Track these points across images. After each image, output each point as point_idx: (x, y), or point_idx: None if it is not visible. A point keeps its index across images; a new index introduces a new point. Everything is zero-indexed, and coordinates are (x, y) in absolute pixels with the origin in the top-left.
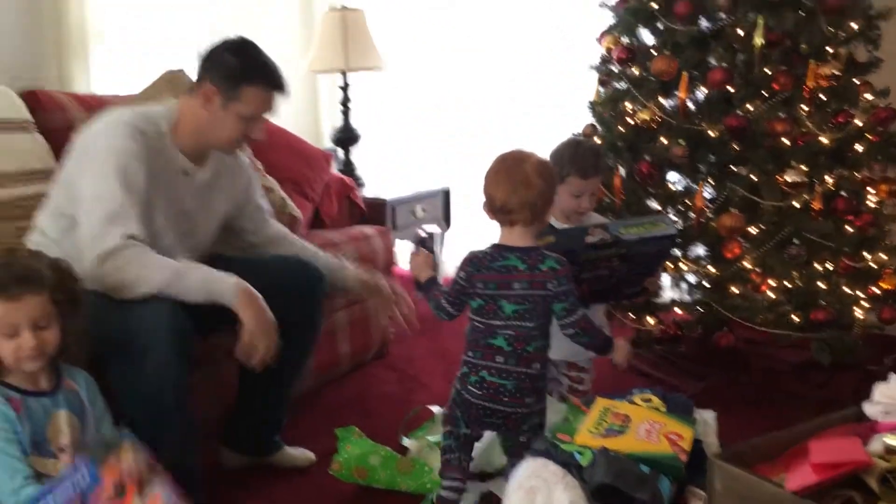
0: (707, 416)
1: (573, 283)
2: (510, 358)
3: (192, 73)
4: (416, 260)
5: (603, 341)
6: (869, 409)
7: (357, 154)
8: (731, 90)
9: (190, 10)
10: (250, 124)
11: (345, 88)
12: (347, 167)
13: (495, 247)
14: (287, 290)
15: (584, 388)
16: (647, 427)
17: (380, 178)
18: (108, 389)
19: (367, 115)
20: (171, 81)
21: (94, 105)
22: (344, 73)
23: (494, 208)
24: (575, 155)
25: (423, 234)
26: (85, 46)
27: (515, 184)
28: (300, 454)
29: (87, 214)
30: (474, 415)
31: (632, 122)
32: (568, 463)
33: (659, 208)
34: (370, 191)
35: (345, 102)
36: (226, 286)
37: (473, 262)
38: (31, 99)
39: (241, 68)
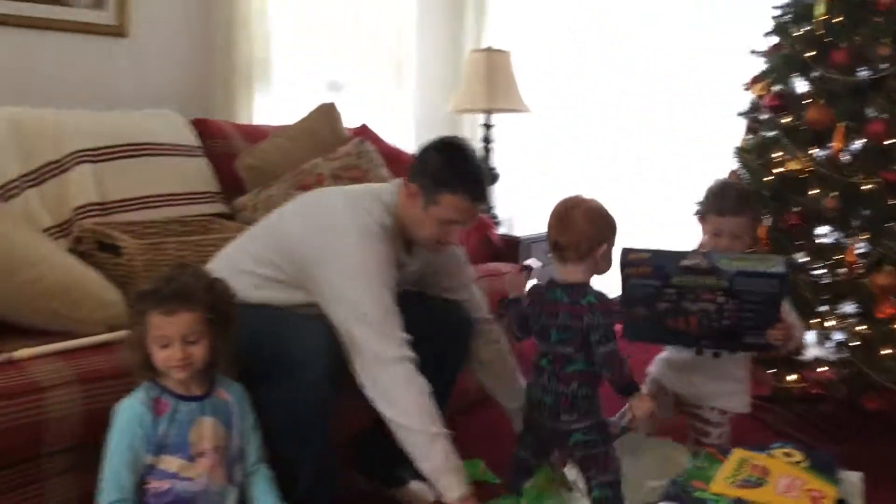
0: (853, 478)
1: (621, 316)
2: (551, 377)
3: (342, 108)
4: (514, 279)
5: (626, 383)
6: None
7: (495, 193)
8: (890, 143)
9: (345, 49)
10: (447, 228)
11: (487, 128)
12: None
13: (549, 282)
14: (441, 325)
15: (709, 441)
16: (787, 482)
17: (515, 216)
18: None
19: (509, 155)
20: (324, 114)
21: (254, 135)
22: (487, 114)
23: (550, 246)
24: (716, 193)
25: (526, 263)
26: (250, 79)
27: (565, 225)
28: (420, 491)
29: (358, 316)
30: (531, 433)
31: (779, 171)
32: None
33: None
34: (504, 228)
35: (486, 142)
36: (452, 492)
37: (534, 294)
38: (200, 126)
39: (443, 174)
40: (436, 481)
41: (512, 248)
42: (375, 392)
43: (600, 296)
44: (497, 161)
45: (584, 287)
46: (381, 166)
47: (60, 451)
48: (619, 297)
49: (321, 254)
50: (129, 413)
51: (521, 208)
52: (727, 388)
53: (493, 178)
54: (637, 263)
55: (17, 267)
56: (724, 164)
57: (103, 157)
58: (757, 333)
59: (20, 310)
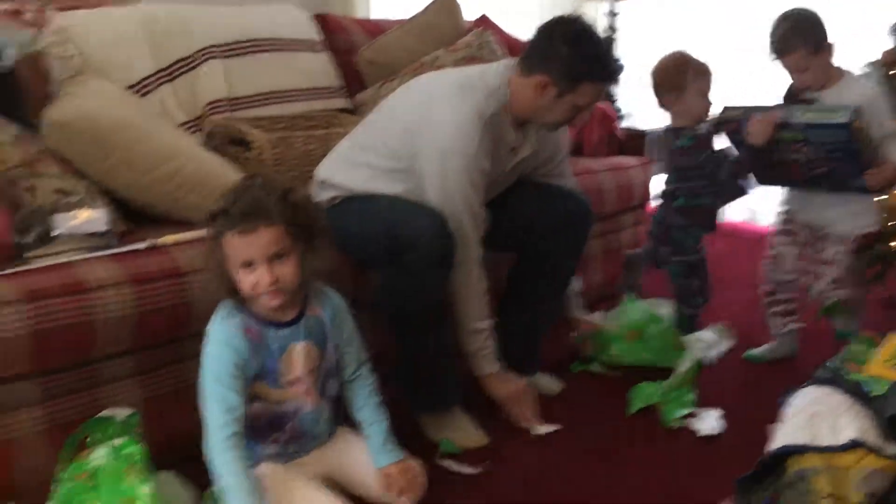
0: None
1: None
2: None
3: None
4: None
5: None
6: None
7: (621, 86)
8: None
9: None
10: (581, 111)
11: (612, 16)
12: (609, 97)
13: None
14: (556, 218)
15: (833, 273)
16: None
17: (639, 109)
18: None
19: (635, 46)
20: (443, 6)
21: (373, 30)
22: (612, 0)
23: None
24: (771, 33)
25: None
26: None
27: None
28: (547, 382)
29: (444, 205)
30: None
31: None
32: (856, 392)
33: None
34: (627, 122)
35: (611, 30)
36: (483, 369)
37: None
38: (321, 22)
39: (579, 64)
40: (472, 356)
41: (636, 142)
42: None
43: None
44: (621, 51)
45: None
46: (503, 56)
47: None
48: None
49: (422, 132)
50: (223, 336)
51: (645, 101)
52: (851, 208)
53: (620, 68)
54: (728, 120)
55: (157, 161)
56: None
57: (231, 53)
58: (857, 178)
59: (161, 201)
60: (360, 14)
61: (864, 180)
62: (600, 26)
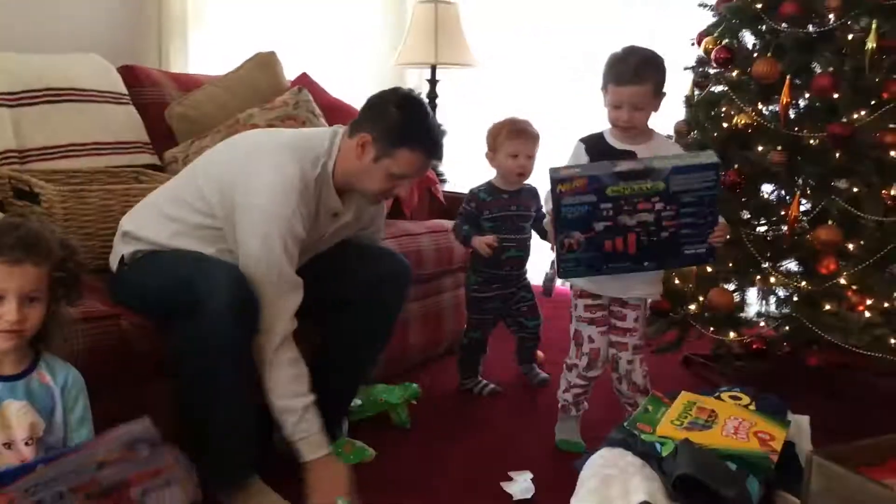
0: (801, 421)
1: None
2: None
3: (283, 57)
4: None
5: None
6: None
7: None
8: (836, 98)
9: None
10: (397, 182)
11: (433, 83)
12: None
13: None
14: (374, 277)
15: (631, 341)
16: (735, 424)
17: (462, 174)
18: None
19: (456, 111)
20: (263, 63)
21: (187, 83)
22: (433, 68)
23: None
24: (617, 59)
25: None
26: (184, 27)
27: None
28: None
29: (250, 267)
30: None
31: (728, 126)
32: (647, 454)
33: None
34: (451, 186)
35: (432, 97)
36: (299, 455)
37: None
38: (128, 73)
39: (402, 128)
40: (291, 440)
41: (456, 205)
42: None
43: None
44: (442, 116)
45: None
46: (320, 116)
47: None
48: (554, 225)
49: (240, 185)
50: None
51: (466, 165)
52: (644, 277)
53: (441, 145)
54: (569, 178)
55: None
56: (676, 115)
57: (21, 102)
58: (698, 240)
59: None
60: (176, 68)
61: (700, 246)
62: (422, 92)
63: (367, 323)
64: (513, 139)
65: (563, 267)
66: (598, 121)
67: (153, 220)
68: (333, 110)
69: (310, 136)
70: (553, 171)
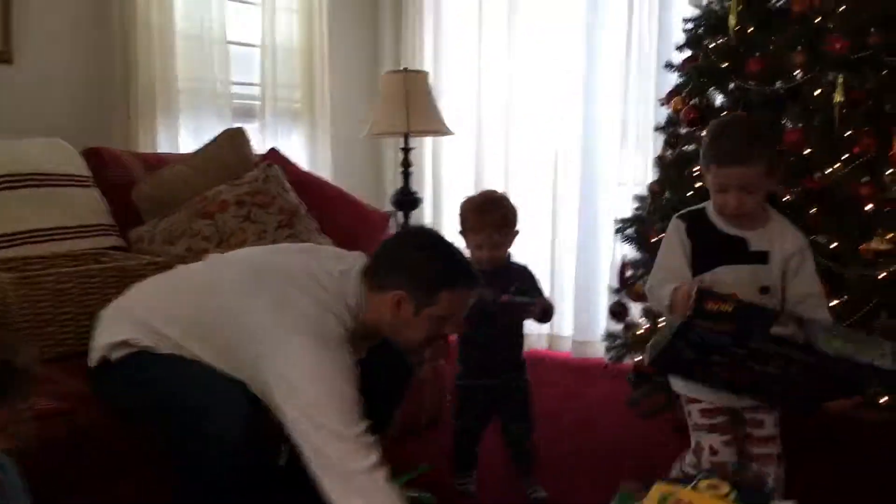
0: None
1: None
2: None
3: (252, 133)
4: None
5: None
6: None
7: (418, 217)
8: (808, 153)
9: (257, 73)
10: (444, 323)
11: (406, 151)
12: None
13: None
14: (385, 365)
15: (765, 433)
16: None
17: None
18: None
19: (430, 178)
20: (231, 139)
21: (155, 164)
22: (405, 137)
23: None
24: (715, 137)
25: None
26: (152, 107)
27: None
28: None
29: (316, 423)
30: None
31: (700, 186)
32: None
33: None
34: None
35: (405, 165)
36: None
37: None
38: (93, 156)
39: (435, 274)
40: None
41: None
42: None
43: None
44: (417, 185)
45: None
46: (289, 191)
47: None
48: (670, 331)
49: (274, 347)
50: None
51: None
52: None
53: (414, 201)
54: (716, 317)
55: None
56: (647, 178)
57: None
58: (809, 400)
59: None
60: (145, 149)
61: (806, 406)
62: (395, 163)
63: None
64: (476, 232)
65: (660, 363)
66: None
67: (142, 333)
68: (303, 183)
69: (337, 295)
70: (701, 297)
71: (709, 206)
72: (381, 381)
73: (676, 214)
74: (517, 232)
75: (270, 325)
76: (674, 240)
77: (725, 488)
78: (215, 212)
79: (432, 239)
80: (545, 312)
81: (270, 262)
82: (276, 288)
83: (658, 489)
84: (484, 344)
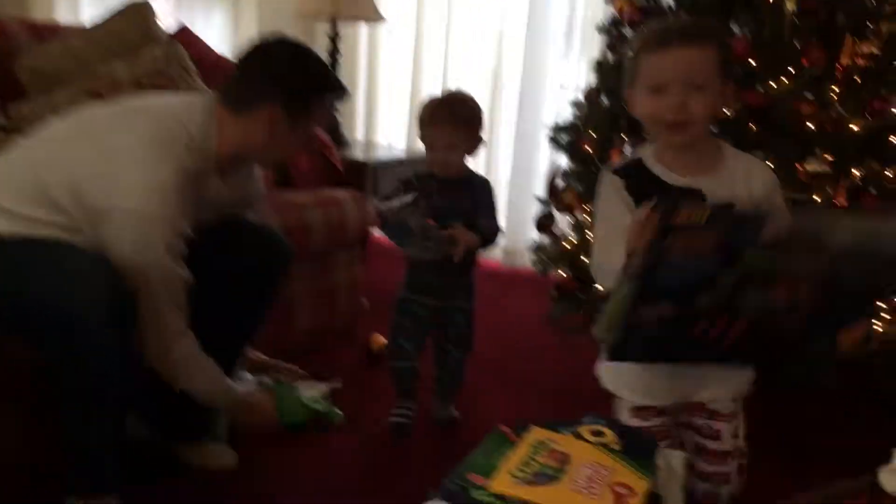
0: (674, 461)
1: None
2: None
3: (167, 10)
4: None
5: None
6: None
7: (346, 111)
8: (754, 64)
9: None
10: (311, 139)
11: (334, 38)
12: (332, 126)
13: None
14: (261, 252)
15: (722, 447)
16: (588, 473)
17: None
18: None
19: (365, 71)
20: (135, 13)
21: (47, 35)
22: (334, 22)
23: None
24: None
25: None
26: None
27: None
28: (219, 452)
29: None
30: None
31: None
32: None
33: None
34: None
35: (333, 53)
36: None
37: None
38: None
39: (310, 82)
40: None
41: (359, 175)
42: (167, 363)
43: None
44: (348, 77)
45: None
46: (195, 74)
47: None
48: (632, 286)
49: (100, 190)
50: None
51: (374, 128)
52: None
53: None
54: (690, 229)
55: None
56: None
57: None
58: (826, 339)
59: None
60: (42, 16)
61: (820, 344)
62: (323, 50)
63: (248, 300)
64: (428, 125)
65: (621, 349)
66: (504, 77)
67: None
68: (215, 69)
69: (180, 123)
70: (665, 212)
71: (645, 152)
72: (261, 266)
73: (610, 169)
74: (480, 140)
75: (99, 176)
76: (614, 198)
77: (610, 435)
78: (106, 92)
79: (294, 47)
80: (470, 252)
81: (101, 110)
82: (102, 135)
83: (534, 434)
84: (428, 263)
